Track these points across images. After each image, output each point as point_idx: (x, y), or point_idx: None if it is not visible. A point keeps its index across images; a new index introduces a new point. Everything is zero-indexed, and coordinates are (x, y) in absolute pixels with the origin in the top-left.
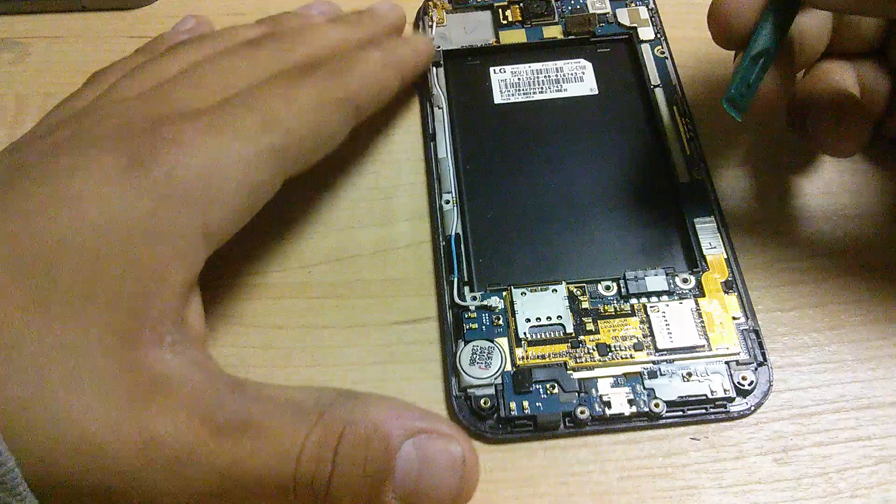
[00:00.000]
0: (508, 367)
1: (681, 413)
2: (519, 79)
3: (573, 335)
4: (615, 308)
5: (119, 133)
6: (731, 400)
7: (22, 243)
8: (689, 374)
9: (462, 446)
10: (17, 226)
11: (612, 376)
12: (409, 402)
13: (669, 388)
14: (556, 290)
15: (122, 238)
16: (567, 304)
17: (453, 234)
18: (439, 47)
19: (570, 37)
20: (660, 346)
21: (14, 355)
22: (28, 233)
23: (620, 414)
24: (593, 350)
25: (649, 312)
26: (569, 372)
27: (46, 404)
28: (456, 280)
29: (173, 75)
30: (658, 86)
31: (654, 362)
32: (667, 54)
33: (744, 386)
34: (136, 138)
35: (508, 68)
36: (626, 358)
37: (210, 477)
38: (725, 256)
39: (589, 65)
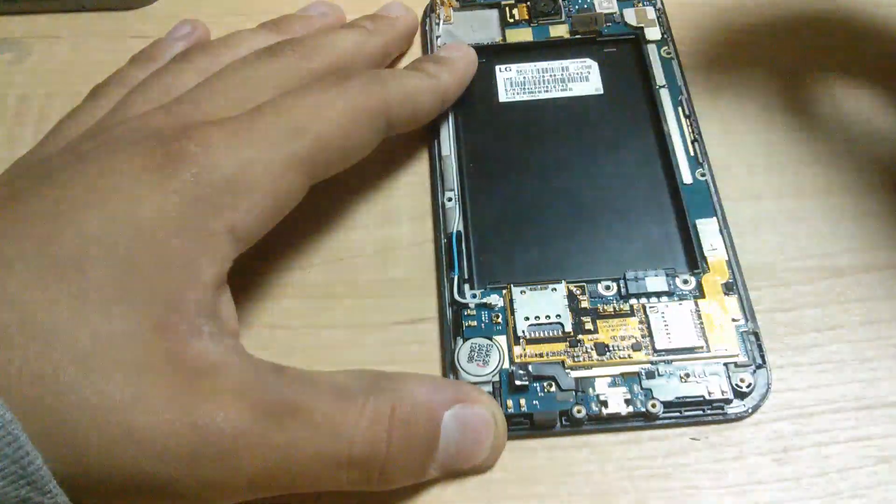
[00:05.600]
0: (506, 365)
1: (678, 414)
2: (524, 77)
3: (572, 334)
4: (614, 308)
5: (147, 139)
6: (729, 402)
7: (53, 242)
8: (687, 376)
9: (492, 407)
10: (48, 226)
11: (610, 376)
12: (436, 376)
13: (667, 388)
14: (555, 289)
15: (153, 235)
16: (566, 304)
17: (455, 231)
18: (446, 44)
19: (576, 36)
20: (658, 347)
21: (48, 348)
22: (59, 232)
23: (617, 413)
24: (591, 349)
25: (648, 313)
26: (566, 371)
27: (87, 396)
28: (456, 277)
29: (192, 86)
30: (663, 86)
31: (652, 363)
32: (673, 55)
33: (742, 388)
34: (164, 142)
35: (514, 67)
36: (625, 358)
37: (263, 461)
38: (726, 258)
39: (595, 64)
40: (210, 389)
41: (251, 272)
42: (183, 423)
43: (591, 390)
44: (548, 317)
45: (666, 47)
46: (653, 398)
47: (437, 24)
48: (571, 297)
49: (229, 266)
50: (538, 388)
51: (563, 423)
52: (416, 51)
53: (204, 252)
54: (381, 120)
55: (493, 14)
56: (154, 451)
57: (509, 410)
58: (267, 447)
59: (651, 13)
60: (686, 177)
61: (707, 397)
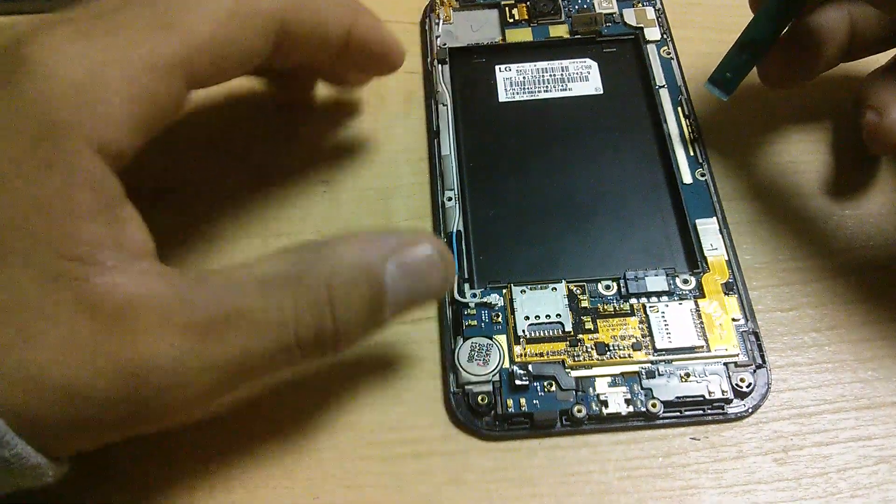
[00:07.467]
0: (507, 365)
1: (678, 413)
2: (524, 77)
3: (572, 334)
4: (614, 307)
5: None
6: (729, 401)
7: None
8: (688, 375)
9: (432, 244)
10: None
11: (610, 375)
12: (370, 231)
13: (667, 388)
14: (555, 289)
15: (10, 181)
16: (566, 303)
17: (455, 231)
18: (446, 44)
19: (576, 36)
20: (658, 347)
21: None
22: None
23: (617, 413)
24: (591, 349)
25: (649, 312)
26: (566, 370)
27: (8, 363)
28: (456, 277)
29: None
30: (663, 86)
31: (652, 362)
32: (672, 55)
33: (742, 388)
34: (5, 54)
35: (514, 67)
36: (625, 357)
37: (209, 376)
38: (726, 258)
39: (594, 64)
40: (133, 327)
41: None
42: (117, 371)
43: (591, 390)
44: (548, 316)
45: (665, 47)
46: (653, 398)
47: (437, 24)
48: (571, 296)
49: (114, 187)
50: (538, 388)
51: (563, 423)
52: (415, 50)
53: (73, 184)
54: (273, 22)
55: (493, 14)
56: (98, 404)
57: (510, 410)
58: (210, 363)
59: (650, 13)
60: (686, 177)
61: (707, 397)
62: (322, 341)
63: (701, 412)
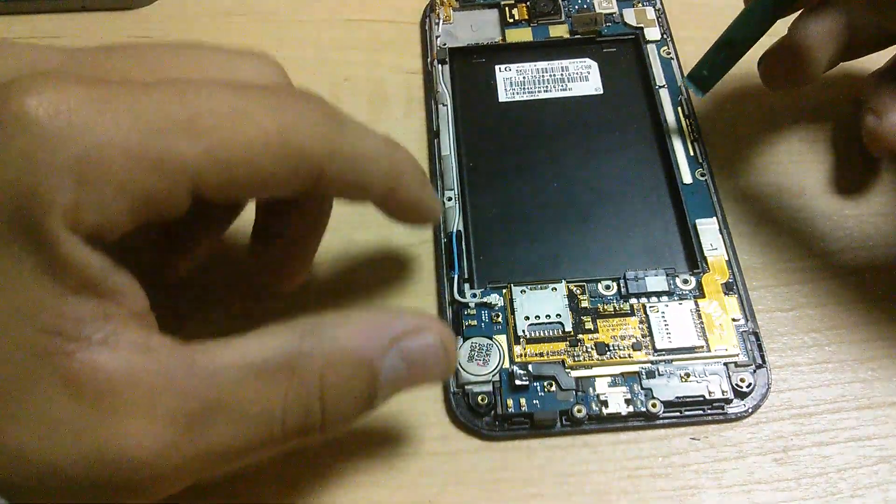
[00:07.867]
0: (507, 365)
1: (678, 414)
2: (524, 77)
3: (572, 334)
4: (614, 307)
5: None
6: (729, 401)
7: None
8: (688, 375)
9: (436, 332)
10: None
11: (610, 375)
12: (373, 310)
13: (667, 388)
14: (555, 289)
15: None
16: (566, 303)
17: (454, 231)
18: (446, 44)
19: (576, 36)
20: (658, 347)
21: None
22: None
23: (617, 413)
24: (591, 349)
25: (649, 312)
26: (566, 370)
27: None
28: (456, 277)
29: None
30: (663, 86)
31: (652, 362)
32: (672, 55)
33: (742, 388)
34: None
35: (514, 67)
36: (625, 357)
37: (189, 465)
38: (726, 258)
39: (594, 64)
40: (117, 410)
41: (252, 272)
42: (97, 457)
43: (591, 390)
44: (548, 316)
45: (665, 47)
46: (653, 398)
47: (437, 24)
48: (571, 296)
49: (97, 258)
50: (538, 388)
51: (563, 423)
52: (415, 50)
53: (50, 258)
54: (312, 166)
55: (493, 14)
56: (75, 483)
57: (510, 410)
58: (192, 454)
59: (651, 13)
60: (686, 177)
61: (707, 397)
62: (308, 430)
63: (701, 412)
